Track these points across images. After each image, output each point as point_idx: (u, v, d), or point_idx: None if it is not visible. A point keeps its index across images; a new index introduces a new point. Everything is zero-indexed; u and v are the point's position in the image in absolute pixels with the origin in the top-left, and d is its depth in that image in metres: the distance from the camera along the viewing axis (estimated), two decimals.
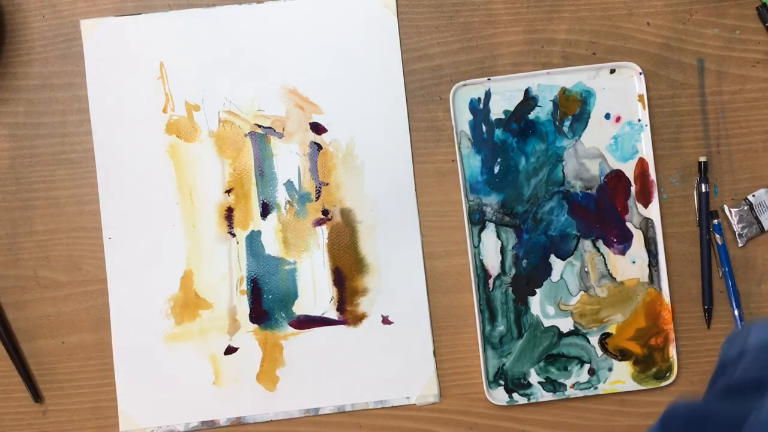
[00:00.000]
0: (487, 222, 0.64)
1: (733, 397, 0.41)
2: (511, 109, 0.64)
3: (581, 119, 0.65)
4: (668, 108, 0.65)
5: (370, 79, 0.64)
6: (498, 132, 0.64)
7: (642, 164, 0.64)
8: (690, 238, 0.65)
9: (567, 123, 0.64)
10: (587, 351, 0.64)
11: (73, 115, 0.64)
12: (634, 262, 0.64)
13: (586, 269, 0.64)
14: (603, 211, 0.64)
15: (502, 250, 0.64)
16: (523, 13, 0.65)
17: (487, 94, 0.64)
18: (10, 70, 0.64)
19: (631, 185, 0.65)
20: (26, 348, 0.63)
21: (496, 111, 0.64)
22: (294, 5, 0.65)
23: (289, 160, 0.64)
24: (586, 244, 0.64)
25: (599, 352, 0.64)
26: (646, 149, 0.65)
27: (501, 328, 0.64)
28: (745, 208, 0.65)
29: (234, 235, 0.64)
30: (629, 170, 0.65)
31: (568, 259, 0.64)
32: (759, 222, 0.65)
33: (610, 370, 0.64)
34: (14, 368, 0.62)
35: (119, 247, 0.63)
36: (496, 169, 0.64)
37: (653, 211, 0.64)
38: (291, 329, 0.63)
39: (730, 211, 0.65)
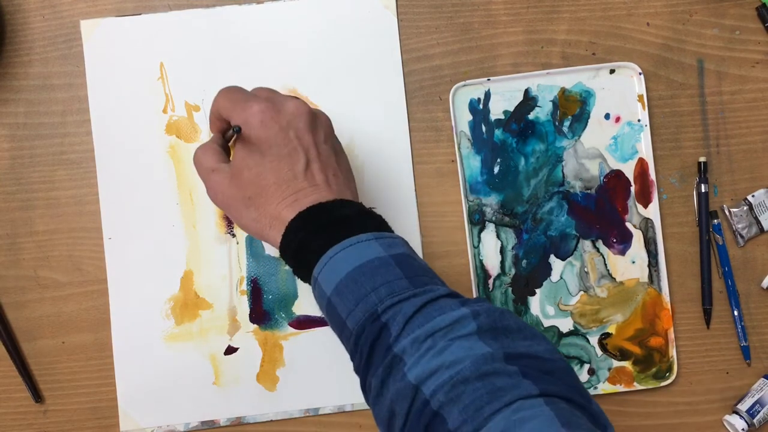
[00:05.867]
0: (486, 222, 0.64)
1: None
2: (511, 109, 0.64)
3: (581, 119, 0.65)
4: (668, 108, 0.65)
5: (370, 79, 0.64)
6: (498, 132, 0.64)
7: (642, 164, 0.64)
8: (690, 238, 0.65)
9: (567, 123, 0.64)
10: (587, 351, 0.64)
11: (73, 115, 0.64)
12: (633, 262, 0.64)
13: (585, 269, 0.64)
14: (603, 211, 0.64)
15: (502, 251, 0.64)
16: (523, 13, 0.65)
17: (487, 95, 0.64)
18: (10, 70, 0.64)
19: (630, 185, 0.65)
20: (26, 348, 0.63)
21: (496, 111, 0.64)
22: (294, 5, 0.65)
23: None
24: (586, 244, 0.64)
25: (599, 352, 0.64)
26: (645, 149, 0.65)
27: None
28: (745, 208, 0.65)
29: (234, 236, 0.64)
30: (629, 170, 0.65)
31: (568, 259, 0.64)
32: (759, 222, 0.65)
33: (609, 370, 0.64)
34: (14, 368, 0.62)
35: (119, 247, 0.63)
36: (496, 169, 0.64)
37: (653, 212, 0.64)
38: (291, 329, 0.63)
39: (729, 212, 0.65)
